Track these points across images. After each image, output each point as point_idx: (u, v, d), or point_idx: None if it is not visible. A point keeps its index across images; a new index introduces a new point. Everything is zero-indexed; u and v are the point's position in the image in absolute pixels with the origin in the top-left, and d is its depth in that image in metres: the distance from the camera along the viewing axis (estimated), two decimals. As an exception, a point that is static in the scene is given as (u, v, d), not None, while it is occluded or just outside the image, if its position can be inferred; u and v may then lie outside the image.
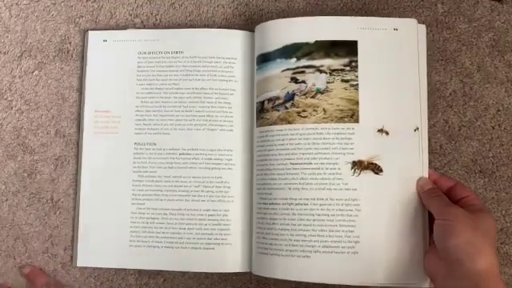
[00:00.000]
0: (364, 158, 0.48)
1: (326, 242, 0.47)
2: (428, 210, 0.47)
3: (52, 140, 0.55)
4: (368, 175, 0.48)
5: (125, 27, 0.55)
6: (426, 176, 0.48)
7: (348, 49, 0.49)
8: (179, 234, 0.51)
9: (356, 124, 0.48)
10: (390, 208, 0.47)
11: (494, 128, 0.54)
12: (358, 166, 0.48)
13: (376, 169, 0.48)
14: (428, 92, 0.54)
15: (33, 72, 0.55)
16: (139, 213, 0.52)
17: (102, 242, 0.52)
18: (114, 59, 0.54)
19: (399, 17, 0.55)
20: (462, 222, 0.42)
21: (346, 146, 0.48)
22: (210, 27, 0.55)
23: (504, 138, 0.54)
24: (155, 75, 0.53)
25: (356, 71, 0.49)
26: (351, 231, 0.47)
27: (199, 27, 0.55)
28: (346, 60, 0.49)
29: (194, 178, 0.52)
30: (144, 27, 0.56)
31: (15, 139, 0.55)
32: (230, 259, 0.51)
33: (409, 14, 0.55)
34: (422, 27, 0.51)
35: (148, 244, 0.52)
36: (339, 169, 0.48)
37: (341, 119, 0.48)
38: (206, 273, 0.53)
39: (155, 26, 0.56)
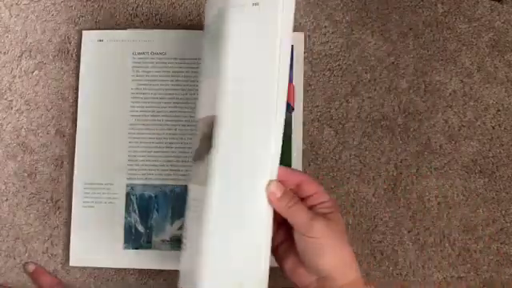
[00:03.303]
0: None
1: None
2: (287, 219, 0.40)
3: (52, 140, 0.55)
4: None
5: (124, 27, 0.55)
6: (275, 177, 0.40)
7: None
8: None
9: None
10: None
11: (494, 128, 0.54)
12: None
13: None
14: (428, 92, 0.54)
15: (33, 72, 0.55)
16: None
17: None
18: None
19: (399, 17, 0.55)
20: (329, 239, 0.39)
21: None
22: (210, 27, 0.55)
23: (504, 138, 0.54)
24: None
25: None
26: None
27: (199, 27, 0.55)
28: None
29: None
30: (144, 27, 0.56)
31: (15, 139, 0.55)
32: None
33: (409, 13, 0.55)
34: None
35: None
36: None
37: None
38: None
39: (155, 26, 0.55)
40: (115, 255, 0.52)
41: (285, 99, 0.40)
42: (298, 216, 0.40)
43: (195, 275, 0.39)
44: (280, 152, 0.40)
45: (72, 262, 0.52)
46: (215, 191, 0.39)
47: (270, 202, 0.40)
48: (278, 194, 0.40)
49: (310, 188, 0.42)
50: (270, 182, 0.40)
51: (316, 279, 0.41)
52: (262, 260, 0.40)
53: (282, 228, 0.42)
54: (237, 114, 0.40)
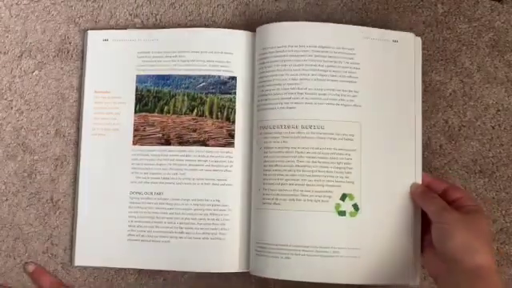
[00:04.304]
0: None
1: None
2: (426, 212, 0.47)
3: (52, 140, 0.55)
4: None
5: (125, 27, 0.55)
6: (419, 181, 0.49)
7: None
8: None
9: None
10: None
11: (493, 128, 0.54)
12: None
13: None
14: (428, 92, 0.54)
15: (33, 72, 0.55)
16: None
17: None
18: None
19: (399, 17, 0.55)
20: (457, 225, 0.43)
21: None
22: (210, 27, 0.55)
23: (504, 138, 0.54)
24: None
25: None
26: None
27: (199, 27, 0.55)
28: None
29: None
30: (144, 27, 0.56)
31: (15, 139, 0.55)
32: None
33: (409, 13, 0.55)
34: (418, 40, 0.52)
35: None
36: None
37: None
38: (205, 273, 0.53)
39: (155, 26, 0.56)
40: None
41: (420, 113, 0.51)
42: (431, 205, 0.46)
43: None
44: (421, 161, 0.49)
45: (77, 262, 0.52)
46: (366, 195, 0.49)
47: (412, 196, 0.48)
48: (418, 190, 0.48)
49: (456, 193, 0.47)
50: (413, 184, 0.49)
51: (444, 265, 0.44)
52: (411, 251, 0.48)
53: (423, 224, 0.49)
54: (379, 126, 0.50)
